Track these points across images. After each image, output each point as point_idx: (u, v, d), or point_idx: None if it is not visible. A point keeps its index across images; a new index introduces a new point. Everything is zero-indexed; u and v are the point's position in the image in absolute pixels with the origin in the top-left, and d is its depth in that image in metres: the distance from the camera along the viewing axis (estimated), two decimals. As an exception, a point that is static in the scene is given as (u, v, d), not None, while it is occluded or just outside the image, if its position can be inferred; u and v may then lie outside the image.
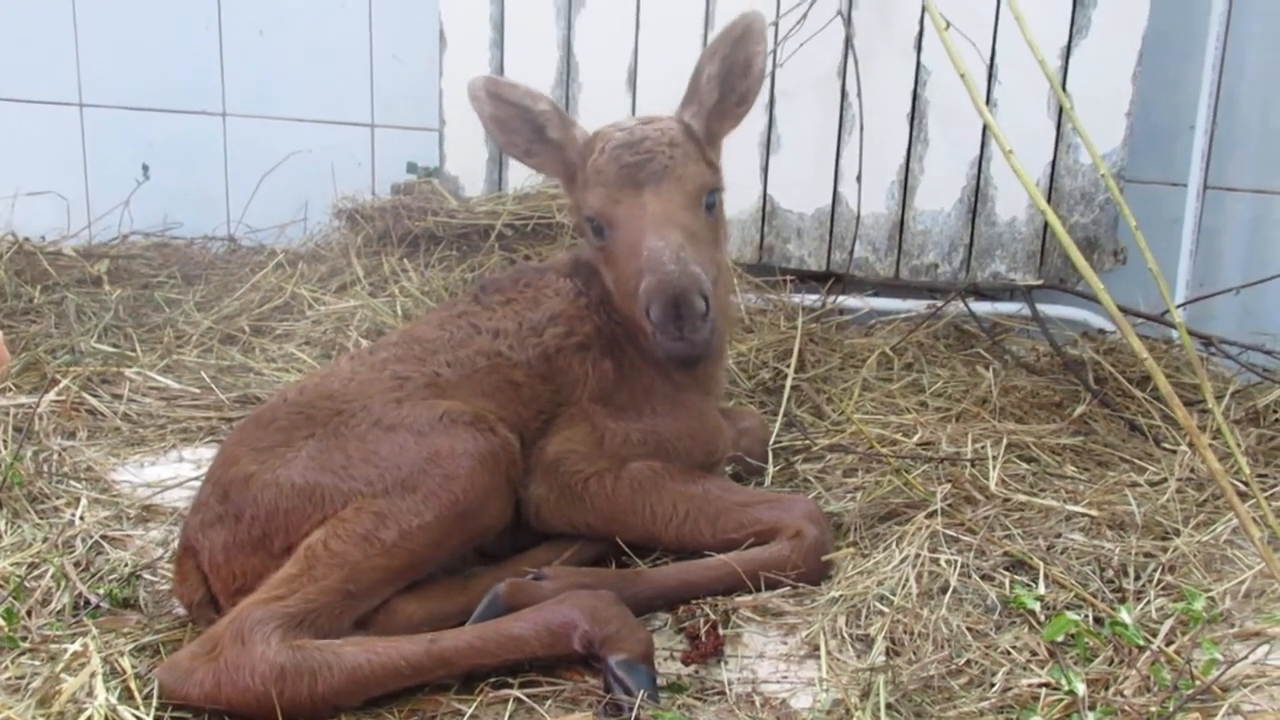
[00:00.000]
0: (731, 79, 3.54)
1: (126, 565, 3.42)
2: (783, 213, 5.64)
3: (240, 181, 6.62)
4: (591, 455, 3.42)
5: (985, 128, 5.33)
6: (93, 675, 2.72)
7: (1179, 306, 4.33)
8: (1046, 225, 5.40)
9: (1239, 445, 3.40)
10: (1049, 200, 5.32)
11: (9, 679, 2.76)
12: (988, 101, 5.24)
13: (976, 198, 5.46)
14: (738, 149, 5.52)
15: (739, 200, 5.65)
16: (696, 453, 3.57)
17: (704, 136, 3.53)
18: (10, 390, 4.51)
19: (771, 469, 3.94)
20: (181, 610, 3.17)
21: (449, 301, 3.83)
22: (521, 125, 3.55)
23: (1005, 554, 3.37)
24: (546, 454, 3.38)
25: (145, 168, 6.72)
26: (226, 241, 6.56)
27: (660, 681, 2.86)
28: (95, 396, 4.57)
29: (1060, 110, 5.29)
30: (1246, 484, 3.43)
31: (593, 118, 5.62)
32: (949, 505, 3.58)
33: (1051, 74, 4.17)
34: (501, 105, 3.52)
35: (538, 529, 3.40)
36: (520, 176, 5.88)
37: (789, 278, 5.58)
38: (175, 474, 4.02)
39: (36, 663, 2.85)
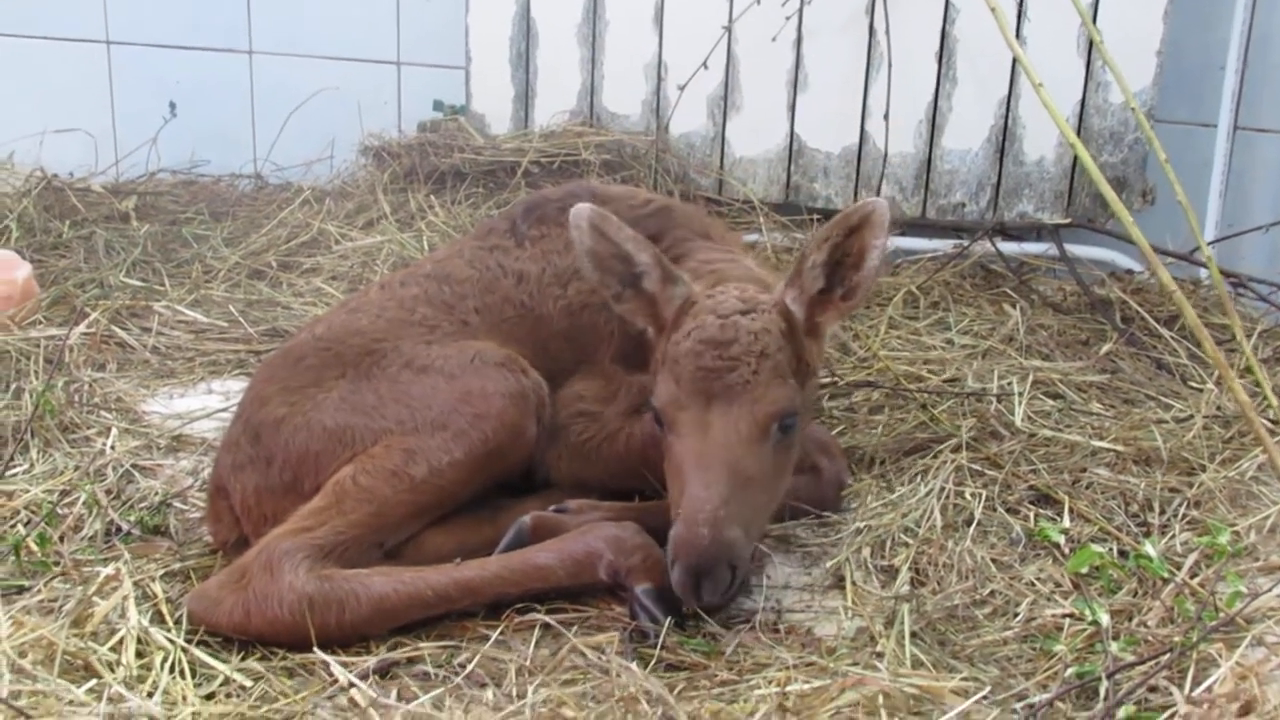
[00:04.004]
0: (841, 270, 3.09)
1: (157, 494, 3.45)
2: (810, 152, 5.62)
3: (267, 119, 6.62)
4: (603, 414, 3.39)
5: (1014, 65, 5.30)
6: (125, 598, 2.74)
7: (1210, 244, 4.30)
8: (1075, 165, 5.37)
9: (1267, 382, 3.38)
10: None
11: (42, 601, 2.79)
12: (1017, 38, 5.20)
13: (1005, 137, 5.44)
14: (765, 87, 5.53)
15: (765, 139, 5.63)
16: None
17: (804, 326, 3.10)
18: (40, 323, 4.54)
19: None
20: (211, 538, 3.19)
21: (486, 224, 3.71)
22: (618, 268, 3.18)
23: (1030, 488, 3.38)
24: (558, 415, 3.35)
25: (172, 105, 6.72)
26: (253, 179, 6.57)
27: (685, 610, 2.87)
28: (124, 330, 4.59)
29: (1090, 49, 5.25)
30: (1275, 420, 3.43)
31: (619, 55, 5.64)
32: (974, 440, 3.59)
33: (1082, 8, 4.14)
34: (603, 242, 3.15)
35: (555, 485, 3.38)
36: (546, 115, 5.87)
37: (815, 217, 5.57)
38: (204, 405, 4.05)
39: (69, 586, 2.87)
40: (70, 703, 2.32)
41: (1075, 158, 5.36)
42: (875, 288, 3.13)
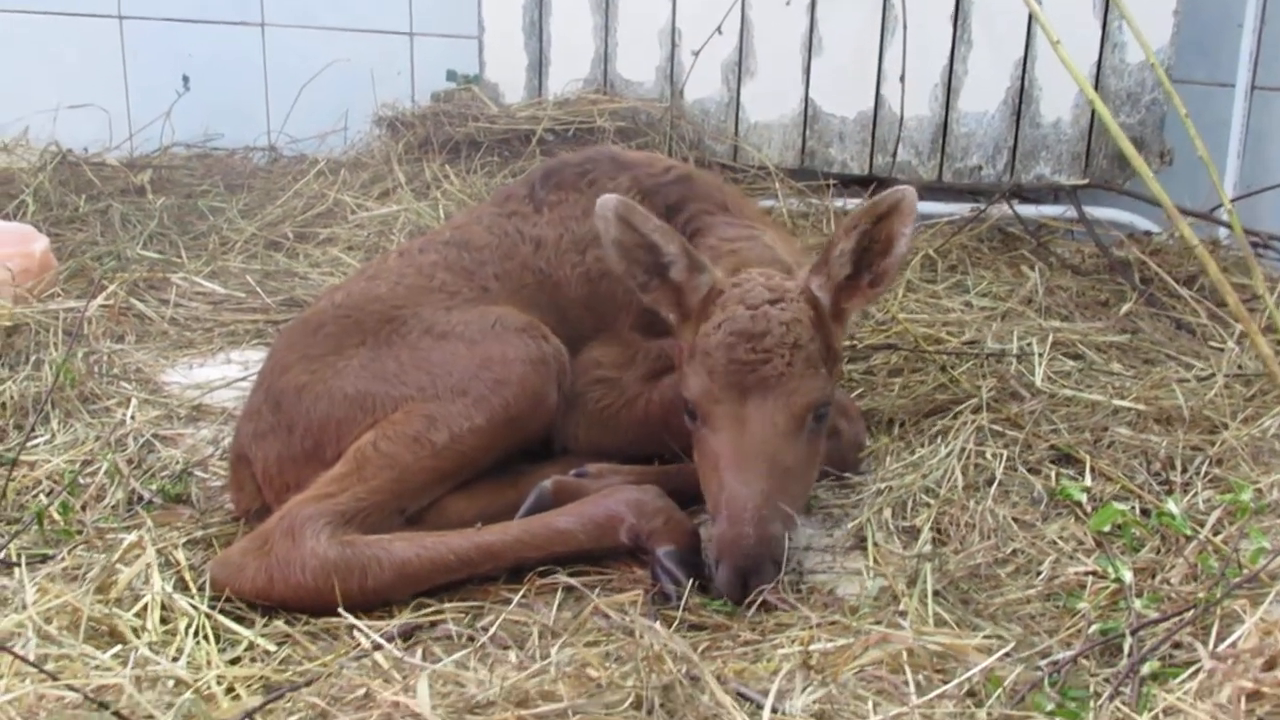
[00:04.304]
0: (869, 256, 3.07)
1: (178, 462, 3.46)
2: (825, 116, 5.60)
3: (280, 92, 6.63)
4: (620, 381, 3.39)
5: (1030, 26, 5.28)
6: (148, 566, 2.75)
7: (1232, 201, 4.28)
8: (1092, 126, 5.35)
9: (1288, 339, 3.38)
10: (1095, 100, 5.27)
11: (66, 569, 2.80)
12: (1033, -1, 5.18)
13: (1021, 99, 5.42)
14: (779, 52, 5.51)
15: (780, 105, 5.62)
16: None
17: (830, 311, 3.09)
18: (59, 295, 4.55)
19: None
20: (233, 506, 3.20)
21: (505, 189, 3.69)
22: (645, 257, 3.13)
23: (1051, 447, 3.37)
24: (576, 382, 3.34)
25: (185, 79, 6.72)
26: (268, 151, 6.57)
27: (707, 572, 2.88)
28: (142, 301, 4.61)
29: (1106, 9, 5.22)
30: (1296, 376, 3.42)
31: (633, 22, 5.62)
32: (994, 401, 3.58)
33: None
34: (629, 233, 3.09)
35: (573, 452, 3.38)
36: (560, 83, 5.86)
37: (831, 182, 5.55)
38: (223, 375, 4.06)
39: (93, 554, 2.88)
40: (97, 667, 2.33)
41: (1092, 119, 5.33)
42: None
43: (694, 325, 3.06)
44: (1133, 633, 2.50)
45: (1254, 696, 2.20)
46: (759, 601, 2.71)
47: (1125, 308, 4.41)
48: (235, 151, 6.57)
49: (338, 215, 5.48)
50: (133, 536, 2.87)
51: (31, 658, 2.21)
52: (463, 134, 5.72)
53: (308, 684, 2.29)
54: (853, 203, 5.49)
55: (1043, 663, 2.49)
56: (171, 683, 2.35)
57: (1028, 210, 5.43)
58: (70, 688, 2.05)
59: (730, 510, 2.78)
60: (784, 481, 2.87)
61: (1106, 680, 2.41)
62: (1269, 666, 2.28)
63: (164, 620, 2.62)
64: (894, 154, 5.51)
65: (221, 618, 2.66)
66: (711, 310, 3.02)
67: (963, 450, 3.31)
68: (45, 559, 2.90)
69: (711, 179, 3.76)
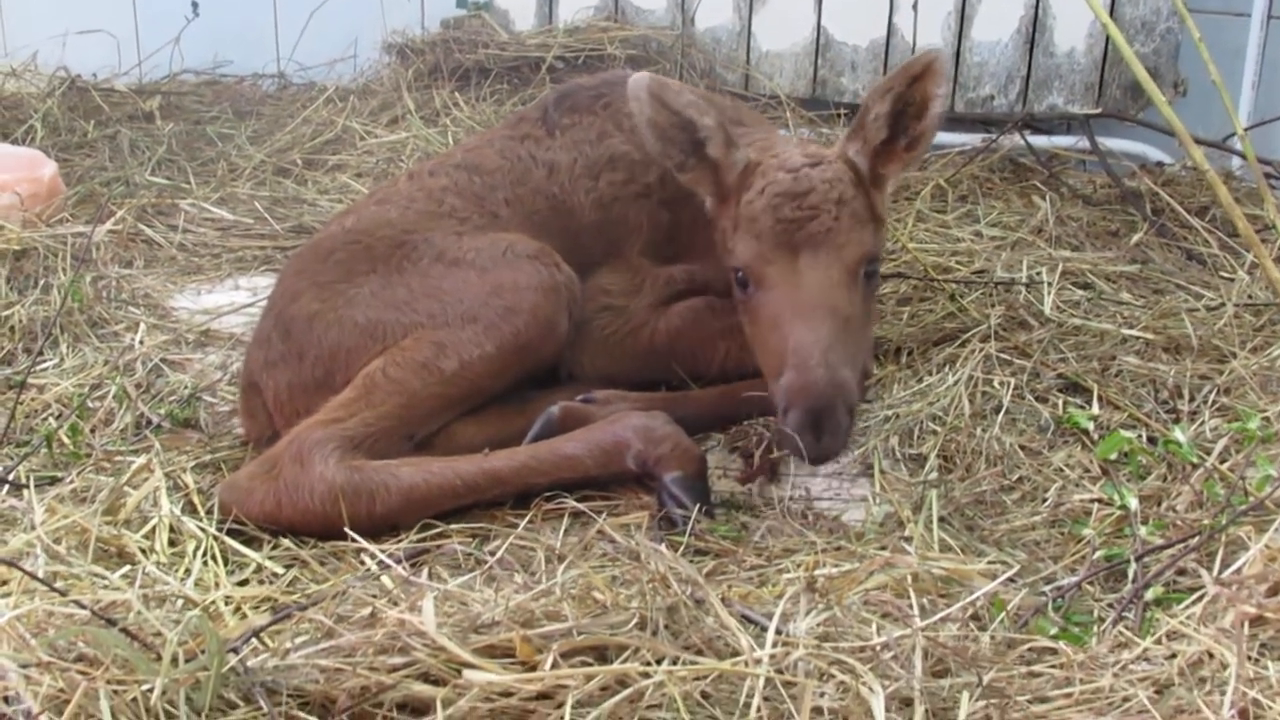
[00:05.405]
0: (904, 120, 3.10)
1: (186, 387, 3.47)
2: (836, 45, 5.56)
3: (289, 18, 6.57)
4: (628, 308, 3.38)
5: (1046, -47, 5.23)
6: (156, 488, 2.77)
7: (1246, 130, 4.24)
8: (1106, 56, 5.31)
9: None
10: (1109, 29, 5.23)
11: (75, 490, 2.81)
12: (1048, -74, 5.13)
13: (1035, 28, 5.37)
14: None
15: (792, 33, 5.58)
16: None
17: (869, 177, 3.12)
18: (67, 220, 4.54)
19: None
20: (240, 431, 3.21)
21: (518, 113, 3.70)
22: (680, 136, 3.14)
23: (1059, 376, 3.37)
24: (584, 310, 3.31)
25: (195, 5, 6.67)
26: (276, 78, 6.53)
27: (713, 498, 2.88)
28: (150, 227, 4.60)
29: (1123, -66, 5.17)
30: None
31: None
32: (1003, 329, 3.57)
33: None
34: (663, 111, 3.11)
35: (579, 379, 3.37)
36: (570, 10, 5.82)
37: (842, 111, 5.52)
38: (232, 301, 4.05)
39: (101, 476, 2.90)
40: (105, 585, 2.35)
41: (1106, 49, 5.29)
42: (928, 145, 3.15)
43: (733, 202, 3.10)
44: (1137, 559, 2.52)
45: (1257, 621, 2.21)
46: (763, 527, 2.72)
47: (1136, 238, 4.39)
48: (244, 78, 6.52)
49: (346, 142, 5.46)
50: (141, 460, 2.90)
51: (40, 575, 2.23)
52: (472, 61, 5.69)
53: (314, 604, 2.30)
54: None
55: (1047, 588, 2.51)
56: (180, 602, 2.37)
57: (1040, 140, 5.39)
58: (78, 604, 2.06)
59: (797, 358, 2.80)
60: (846, 332, 2.90)
61: (1110, 605, 2.43)
62: (1273, 592, 2.29)
63: (172, 543, 2.64)
64: (906, 83, 5.47)
65: (230, 540, 2.68)
66: (751, 180, 3.06)
67: (970, 378, 3.31)
68: (54, 481, 2.92)
69: (728, 101, 3.77)
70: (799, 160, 3.04)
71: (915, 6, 5.36)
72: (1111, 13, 5.25)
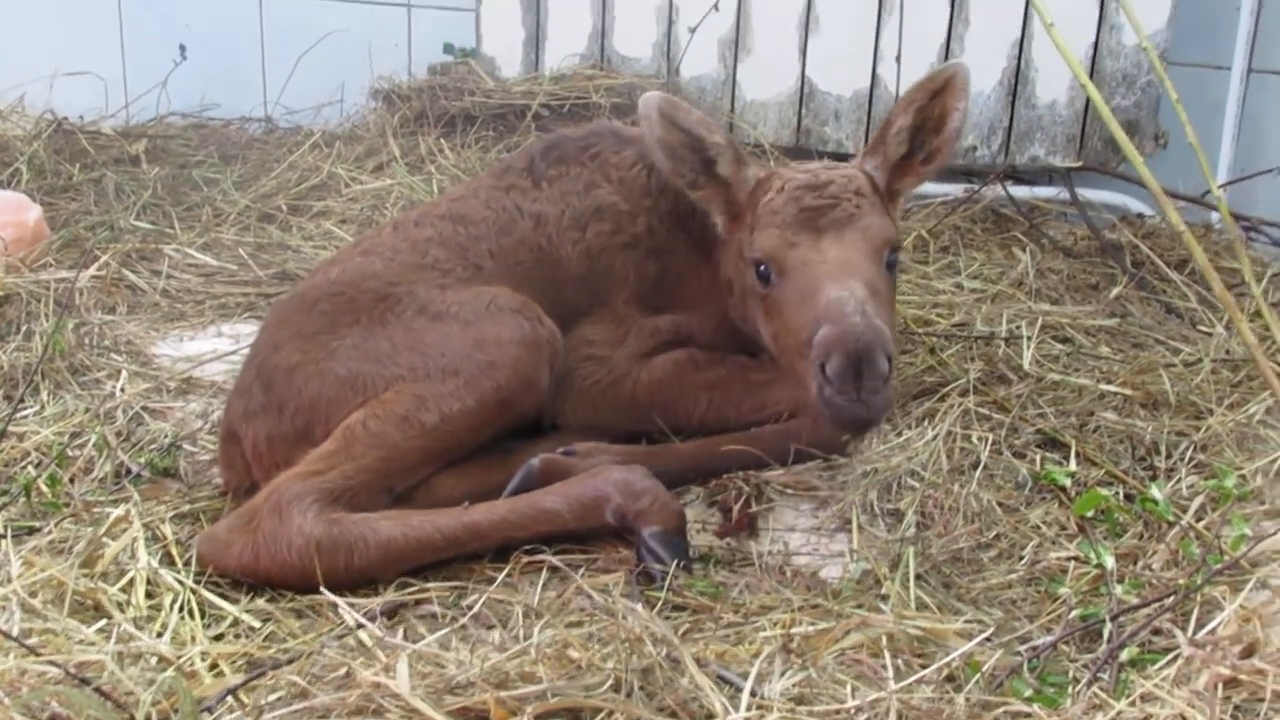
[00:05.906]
0: (923, 134, 3.21)
1: (166, 436, 3.46)
2: (821, 94, 5.60)
3: (277, 62, 6.60)
4: (610, 359, 3.39)
5: (1027, 6, 5.27)
6: (135, 540, 2.77)
7: (1222, 187, 4.27)
8: (1087, 108, 5.35)
9: (1277, 325, 3.37)
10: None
11: (53, 541, 2.81)
12: (1030, -20, 5.17)
13: (1017, 80, 5.41)
14: (776, 29, 5.50)
15: (776, 83, 5.61)
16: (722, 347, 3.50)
17: (885, 191, 3.21)
18: (51, 265, 4.54)
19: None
20: (222, 483, 3.21)
21: (503, 162, 3.70)
22: (690, 155, 3.21)
23: (1037, 431, 3.38)
24: (566, 360, 3.32)
25: (182, 48, 6.69)
26: (263, 122, 6.55)
27: (692, 553, 2.89)
28: (134, 273, 4.60)
29: (1104, -13, 5.22)
30: (1283, 364, 3.42)
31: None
32: (982, 383, 3.59)
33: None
34: (673, 130, 3.17)
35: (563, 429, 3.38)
36: (557, 58, 5.85)
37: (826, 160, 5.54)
38: (214, 348, 4.05)
39: (79, 527, 2.90)
40: (80, 641, 2.34)
41: (1088, 101, 5.33)
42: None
43: (746, 216, 3.17)
44: (1113, 618, 2.52)
45: (1231, 684, 2.22)
46: (740, 584, 2.72)
47: (1115, 291, 4.42)
48: (231, 122, 6.53)
49: (331, 188, 5.47)
50: (120, 510, 2.90)
51: (15, 632, 2.23)
52: (458, 108, 5.71)
53: (289, 662, 2.30)
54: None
55: (1022, 648, 2.51)
56: (155, 659, 2.37)
57: (1021, 191, 5.43)
58: (52, 663, 2.06)
59: (831, 310, 2.81)
60: (877, 300, 2.90)
61: (1085, 666, 2.43)
62: (1247, 653, 2.30)
63: (149, 595, 2.64)
64: (889, 133, 5.50)
65: (207, 593, 2.68)
66: (765, 191, 3.14)
67: (949, 433, 3.32)
68: (32, 531, 2.91)
69: None
70: (816, 166, 3.16)
71: (899, 58, 5.39)
72: (1093, 66, 5.29)
